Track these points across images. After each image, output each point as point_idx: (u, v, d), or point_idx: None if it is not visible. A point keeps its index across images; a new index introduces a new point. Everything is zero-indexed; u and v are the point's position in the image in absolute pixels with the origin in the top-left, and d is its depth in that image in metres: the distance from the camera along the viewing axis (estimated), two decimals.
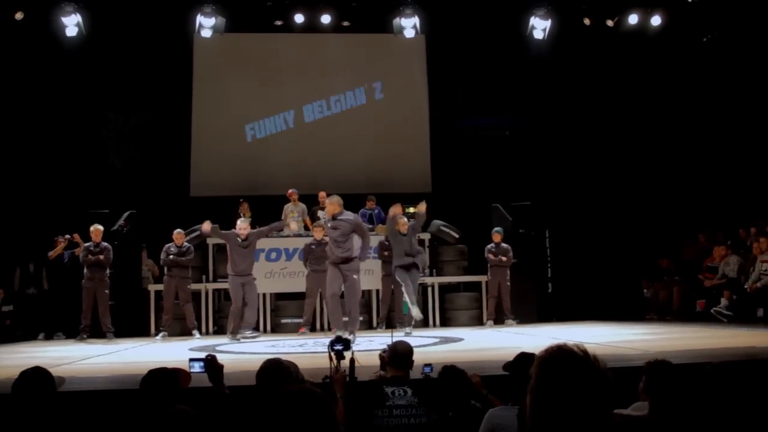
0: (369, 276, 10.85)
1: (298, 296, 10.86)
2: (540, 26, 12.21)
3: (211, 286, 11.12)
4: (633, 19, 12.29)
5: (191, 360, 3.53)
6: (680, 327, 9.44)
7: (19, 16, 11.34)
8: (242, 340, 9.21)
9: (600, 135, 13.54)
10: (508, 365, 3.63)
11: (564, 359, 1.74)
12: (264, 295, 11.00)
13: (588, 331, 9.30)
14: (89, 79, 13.11)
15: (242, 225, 9.65)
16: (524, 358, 3.46)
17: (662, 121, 13.21)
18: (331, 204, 8.66)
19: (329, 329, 10.39)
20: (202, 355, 3.65)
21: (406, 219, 9.68)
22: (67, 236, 10.82)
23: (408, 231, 9.42)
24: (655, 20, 12.20)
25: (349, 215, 8.72)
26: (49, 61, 12.53)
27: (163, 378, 3.19)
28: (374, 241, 10.98)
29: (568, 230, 12.99)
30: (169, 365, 3.44)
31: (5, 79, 12.52)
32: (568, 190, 13.44)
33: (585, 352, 1.75)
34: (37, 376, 3.21)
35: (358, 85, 14.27)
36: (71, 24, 11.39)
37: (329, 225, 8.69)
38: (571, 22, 12.53)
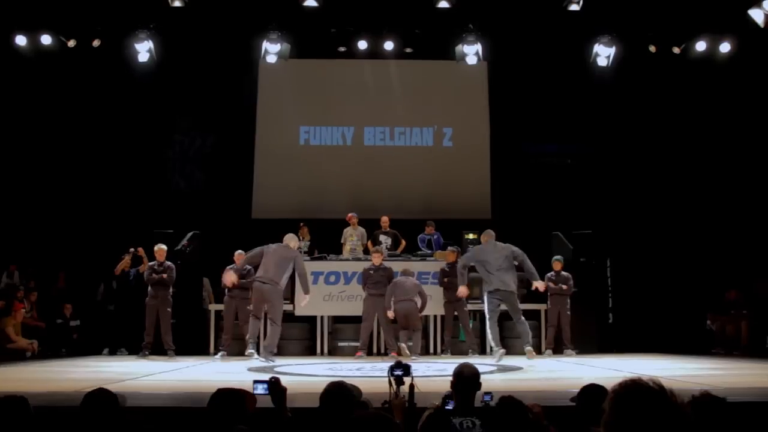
0: (429, 302, 10.81)
1: (356, 320, 10.88)
2: (604, 53, 12.10)
3: None
4: (701, 46, 12.10)
5: (255, 382, 3.55)
6: (749, 363, 9.09)
7: (96, 43, 11.88)
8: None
9: (664, 163, 13.30)
10: (575, 397, 3.54)
11: (640, 394, 1.70)
12: (322, 317, 11.08)
13: (651, 364, 9.03)
14: (157, 102, 13.57)
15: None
16: (591, 390, 3.38)
17: (731, 149, 12.86)
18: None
19: (386, 353, 10.39)
20: (266, 376, 3.68)
21: None
22: (132, 250, 11.10)
23: None
24: (725, 47, 11.97)
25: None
26: (120, 85, 13.03)
27: (230, 398, 3.22)
28: (435, 266, 11.00)
29: (630, 260, 12.73)
30: (230, 385, 3.47)
31: (79, 102, 13.07)
32: (630, 219, 13.23)
33: (661, 387, 1.72)
34: (102, 397, 3.29)
35: (426, 125, 14.29)
36: (143, 50, 11.84)
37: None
38: (636, 49, 12.38)
